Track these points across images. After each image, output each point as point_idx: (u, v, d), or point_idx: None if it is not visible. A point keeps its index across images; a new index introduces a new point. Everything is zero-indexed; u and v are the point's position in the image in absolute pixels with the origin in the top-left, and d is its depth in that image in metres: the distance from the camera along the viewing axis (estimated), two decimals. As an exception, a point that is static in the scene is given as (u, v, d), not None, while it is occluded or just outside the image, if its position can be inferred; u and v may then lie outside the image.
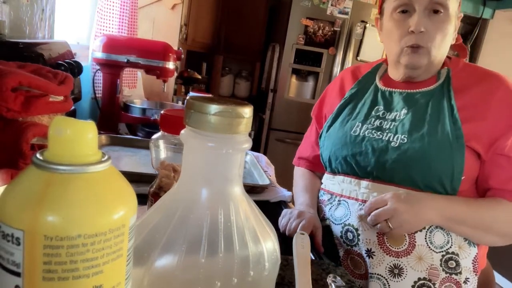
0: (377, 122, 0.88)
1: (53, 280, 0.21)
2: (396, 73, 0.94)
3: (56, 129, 0.22)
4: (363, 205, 0.83)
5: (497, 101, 0.81)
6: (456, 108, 0.81)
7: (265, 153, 2.96)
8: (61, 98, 0.66)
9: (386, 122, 0.87)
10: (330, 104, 1.03)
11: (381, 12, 0.93)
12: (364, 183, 0.86)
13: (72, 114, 1.25)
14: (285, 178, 1.60)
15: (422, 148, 0.80)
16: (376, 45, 3.02)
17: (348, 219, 0.85)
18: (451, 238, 0.80)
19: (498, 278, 2.51)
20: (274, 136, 3.20)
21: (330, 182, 0.94)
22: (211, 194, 0.31)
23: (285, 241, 0.72)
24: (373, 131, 0.87)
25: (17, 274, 0.21)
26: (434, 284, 0.77)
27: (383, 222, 0.75)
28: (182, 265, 0.29)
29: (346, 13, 2.99)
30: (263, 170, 1.13)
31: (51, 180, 0.21)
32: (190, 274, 0.29)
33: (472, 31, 3.39)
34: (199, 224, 0.30)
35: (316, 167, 1.05)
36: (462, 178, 0.79)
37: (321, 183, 1.00)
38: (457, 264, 0.79)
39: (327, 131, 0.97)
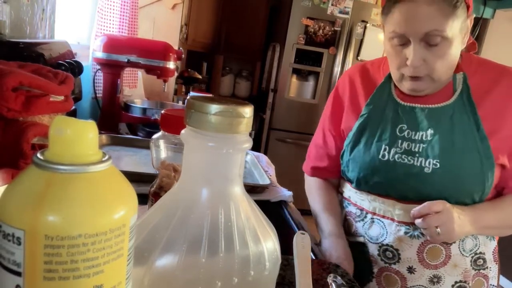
0: (405, 145, 0.85)
1: (54, 279, 0.21)
2: (403, 89, 0.89)
3: (57, 129, 0.22)
4: (400, 226, 0.84)
5: None
6: (481, 122, 0.80)
7: (265, 153, 2.96)
8: (61, 98, 0.66)
9: (414, 145, 0.85)
10: (346, 119, 0.96)
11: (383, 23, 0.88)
12: (398, 204, 0.85)
13: (73, 114, 1.25)
14: (285, 178, 1.60)
15: (456, 172, 0.80)
16: (376, 45, 3.02)
17: (385, 239, 0.86)
18: (478, 241, 0.85)
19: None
20: (275, 136, 3.20)
21: (358, 197, 0.92)
22: (211, 194, 0.31)
23: (286, 241, 0.72)
24: (403, 155, 0.85)
25: (18, 274, 0.21)
26: (468, 284, 0.84)
27: (432, 228, 0.76)
28: (182, 264, 0.29)
29: (347, 13, 2.99)
30: (264, 170, 1.13)
31: (52, 180, 0.21)
32: (190, 274, 0.29)
33: (472, 31, 3.39)
34: (199, 224, 0.30)
35: (335, 175, 1.01)
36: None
37: (342, 192, 0.98)
38: (484, 260, 0.86)
39: (350, 152, 0.92)
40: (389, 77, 0.93)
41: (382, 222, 0.87)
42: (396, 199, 0.85)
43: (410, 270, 0.84)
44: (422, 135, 0.84)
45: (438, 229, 0.75)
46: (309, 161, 1.06)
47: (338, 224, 0.92)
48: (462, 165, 0.79)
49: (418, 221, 0.77)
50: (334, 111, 1.00)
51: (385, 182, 0.86)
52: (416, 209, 0.77)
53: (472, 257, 0.84)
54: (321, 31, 3.02)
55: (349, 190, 0.95)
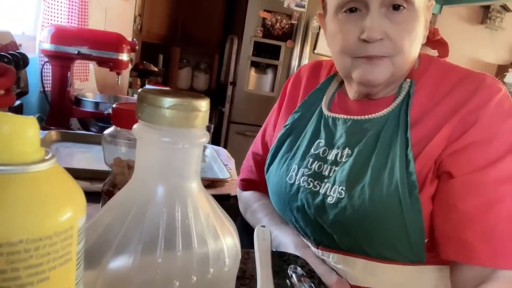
0: (315, 166, 0.68)
1: (-8, 290, 0.19)
2: (349, 89, 0.72)
3: (-8, 126, 0.20)
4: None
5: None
6: (410, 143, 0.60)
7: (225, 147, 2.94)
8: (1, 92, 0.62)
9: (326, 166, 0.67)
10: (279, 126, 0.81)
11: (324, 7, 0.69)
12: (312, 247, 0.70)
13: (19, 109, 1.17)
14: (245, 171, 1.60)
15: (363, 207, 0.60)
16: (332, 38, 3.07)
17: None
18: None
19: None
20: (234, 129, 3.18)
21: None
22: (167, 190, 0.30)
23: (246, 235, 0.72)
24: (310, 179, 0.67)
25: (-51, 287, 0.19)
26: None
27: None
28: (137, 265, 0.27)
29: (303, 6, 3.02)
30: (223, 164, 1.13)
31: (-13, 181, 0.19)
32: (146, 275, 0.28)
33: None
34: (155, 222, 0.29)
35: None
36: (426, 240, 0.61)
37: None
38: None
39: (267, 171, 0.77)
40: (329, 79, 0.77)
41: None
42: (307, 238, 0.70)
43: None
44: (337, 154, 0.67)
45: None
46: (241, 172, 0.91)
47: (297, 233, 0.74)
48: (372, 197, 0.59)
49: None
50: (272, 114, 0.87)
51: (290, 212, 0.70)
52: None
53: None
54: (278, 24, 3.03)
55: None
